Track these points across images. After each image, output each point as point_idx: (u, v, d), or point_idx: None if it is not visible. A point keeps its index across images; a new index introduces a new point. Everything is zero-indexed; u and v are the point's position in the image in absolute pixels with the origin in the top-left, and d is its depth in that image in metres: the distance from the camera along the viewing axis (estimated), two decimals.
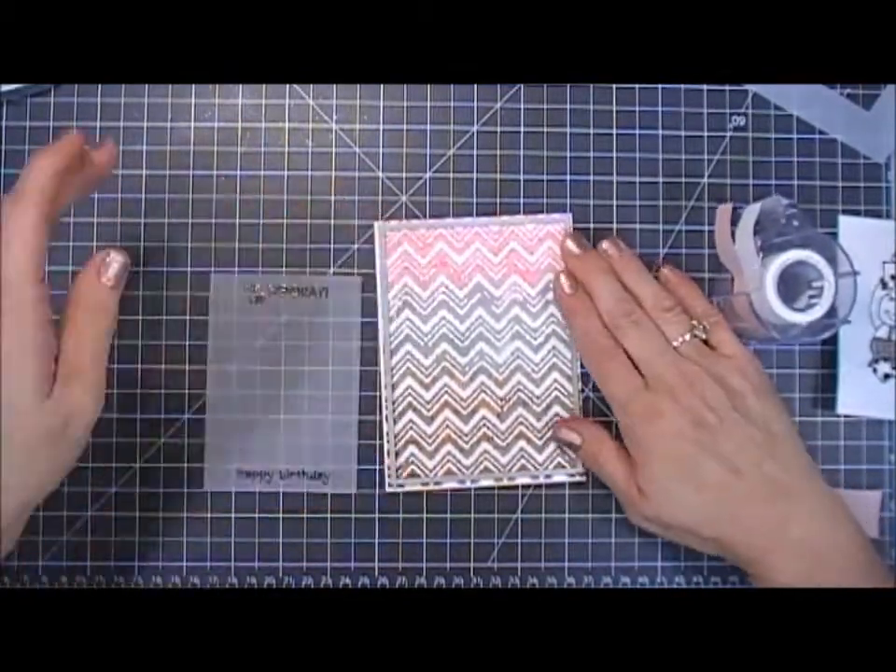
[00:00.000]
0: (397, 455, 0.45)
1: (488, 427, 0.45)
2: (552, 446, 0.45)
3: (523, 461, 0.45)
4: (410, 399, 0.45)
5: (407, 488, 0.44)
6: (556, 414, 0.45)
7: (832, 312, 0.40)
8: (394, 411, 0.45)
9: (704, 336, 0.41)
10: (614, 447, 0.42)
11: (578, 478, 0.45)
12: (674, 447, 0.39)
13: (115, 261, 0.36)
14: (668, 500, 0.39)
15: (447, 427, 0.45)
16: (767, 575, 0.38)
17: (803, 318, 0.40)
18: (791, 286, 0.41)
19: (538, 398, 0.45)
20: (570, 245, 0.44)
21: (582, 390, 0.45)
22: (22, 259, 0.32)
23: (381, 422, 0.45)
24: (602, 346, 0.41)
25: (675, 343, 0.41)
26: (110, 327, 0.36)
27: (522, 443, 0.45)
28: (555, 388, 0.45)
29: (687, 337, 0.41)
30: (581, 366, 0.45)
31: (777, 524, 0.38)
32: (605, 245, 0.43)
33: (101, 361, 0.36)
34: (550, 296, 0.45)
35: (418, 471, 0.45)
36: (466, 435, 0.45)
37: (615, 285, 0.42)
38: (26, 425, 0.33)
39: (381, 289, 0.45)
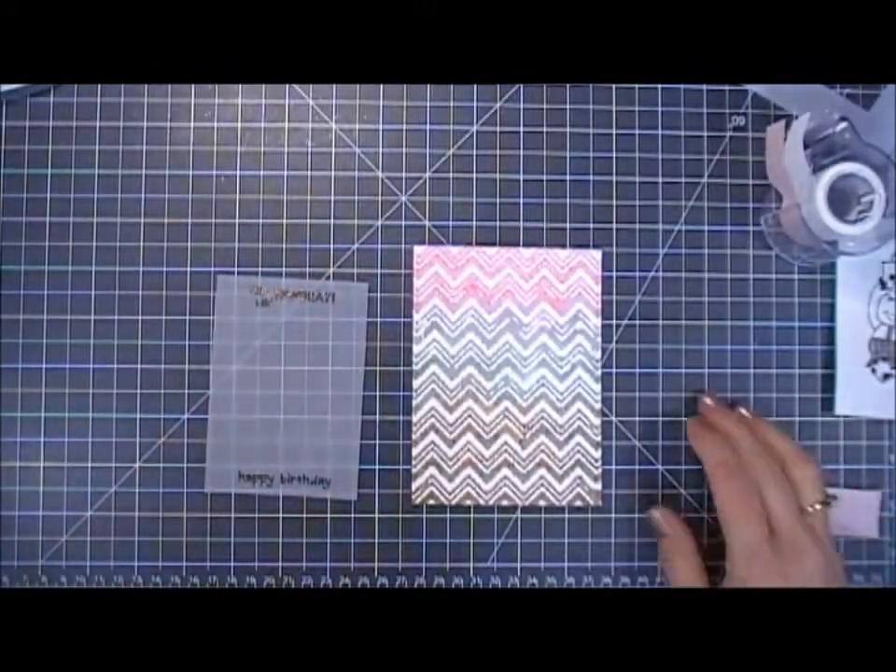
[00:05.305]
0: (415, 475, 0.44)
1: (509, 454, 0.45)
2: (572, 476, 0.44)
3: (542, 489, 0.44)
4: (433, 420, 0.44)
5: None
6: (578, 444, 0.44)
7: (881, 226, 0.40)
8: (415, 432, 0.44)
9: (832, 506, 0.40)
10: (696, 565, 0.41)
11: (593, 504, 0.45)
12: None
13: None
14: None
15: (468, 450, 0.45)
16: None
17: (853, 231, 0.39)
18: (841, 199, 0.40)
19: (560, 426, 0.45)
20: (707, 400, 0.44)
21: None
22: None
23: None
24: (744, 483, 0.39)
25: (808, 509, 0.39)
26: None
27: (542, 471, 0.44)
28: (579, 418, 0.45)
29: (819, 506, 0.40)
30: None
31: None
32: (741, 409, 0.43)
33: None
34: (578, 325, 0.45)
35: (437, 493, 0.44)
36: (487, 460, 0.44)
37: (753, 437, 0.41)
38: None
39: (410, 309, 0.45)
